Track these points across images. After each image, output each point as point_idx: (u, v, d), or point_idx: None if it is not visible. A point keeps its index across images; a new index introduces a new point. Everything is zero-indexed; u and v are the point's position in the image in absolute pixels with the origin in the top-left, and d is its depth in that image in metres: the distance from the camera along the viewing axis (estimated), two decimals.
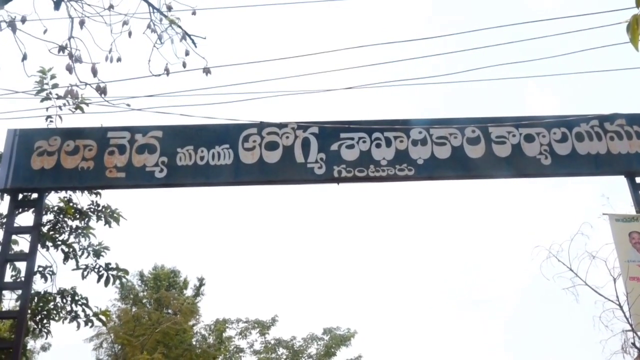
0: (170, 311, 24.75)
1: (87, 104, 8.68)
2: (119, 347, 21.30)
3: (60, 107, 8.71)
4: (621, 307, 8.78)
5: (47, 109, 8.74)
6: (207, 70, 7.84)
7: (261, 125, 8.67)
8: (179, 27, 7.60)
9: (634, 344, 9.45)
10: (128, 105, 8.57)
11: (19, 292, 8.12)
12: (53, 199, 9.17)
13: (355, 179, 8.47)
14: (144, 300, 27.60)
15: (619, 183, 8.68)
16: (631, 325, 8.37)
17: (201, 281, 30.89)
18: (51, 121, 8.77)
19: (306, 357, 28.22)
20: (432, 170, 8.52)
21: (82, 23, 7.17)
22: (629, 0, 3.31)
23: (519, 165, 8.56)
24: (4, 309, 9.36)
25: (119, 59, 7.25)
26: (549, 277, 9.37)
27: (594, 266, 9.17)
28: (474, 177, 8.77)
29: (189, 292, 30.27)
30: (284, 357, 28.01)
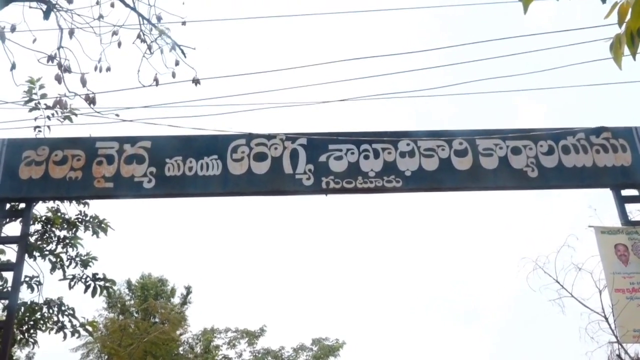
0: (157, 320, 24.67)
1: (75, 114, 8.68)
2: (106, 357, 21.19)
3: (48, 117, 8.71)
4: (607, 319, 8.84)
5: (35, 119, 8.74)
6: (196, 81, 7.88)
7: (250, 137, 8.69)
8: (169, 37, 7.64)
9: (619, 355, 9.51)
10: (117, 115, 8.57)
11: (6, 301, 8.09)
12: (41, 208, 9.16)
13: (343, 191, 8.49)
14: (132, 309, 27.49)
15: (606, 195, 8.76)
16: (616, 337, 8.43)
17: (188, 290, 30.80)
18: (39, 131, 8.76)
19: None
20: (419, 182, 8.55)
21: (71, 33, 7.20)
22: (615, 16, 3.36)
23: (505, 177, 8.61)
24: None
25: (108, 69, 7.28)
26: (535, 288, 9.44)
27: (580, 278, 9.24)
28: (461, 189, 8.81)
29: (176, 300, 30.18)
30: None
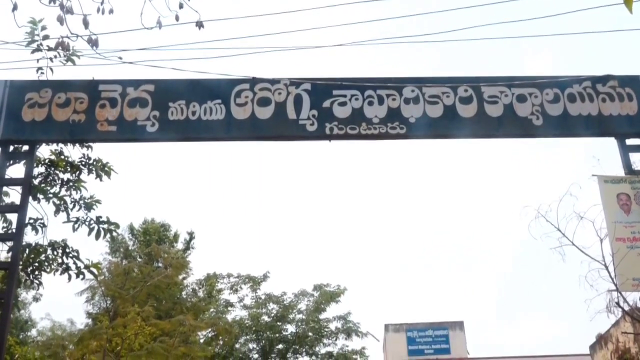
0: (160, 265, 24.89)
1: (78, 57, 8.59)
2: (110, 300, 21.43)
3: (51, 59, 8.62)
4: (607, 267, 8.93)
5: (37, 60, 8.65)
6: (200, 24, 7.77)
7: (253, 81, 8.63)
8: None
9: (617, 303, 9.63)
10: (120, 58, 8.50)
11: (10, 243, 8.15)
12: (44, 151, 9.16)
13: (347, 137, 8.47)
14: (134, 254, 27.73)
15: (609, 146, 8.73)
16: (616, 285, 8.51)
17: (191, 235, 31.05)
18: (42, 73, 8.69)
19: (296, 313, 28.55)
20: (424, 128, 8.51)
21: None
22: None
23: (510, 125, 8.57)
24: None
25: (111, 11, 7.17)
26: (537, 236, 9.50)
27: (581, 227, 9.30)
28: (466, 136, 8.79)
29: (179, 246, 30.44)
30: (274, 312, 28.32)
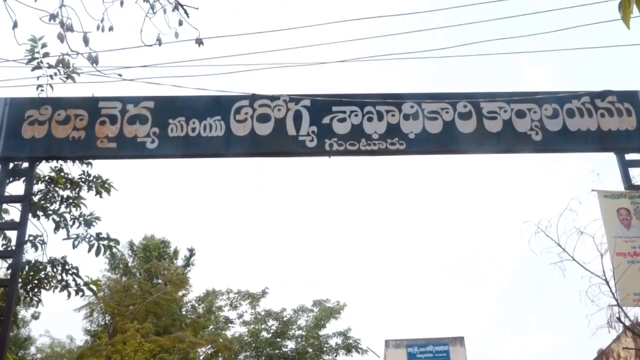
0: (160, 281, 24.85)
1: (78, 74, 8.63)
2: (109, 316, 21.38)
3: (51, 76, 8.65)
4: (607, 283, 8.92)
5: (37, 77, 8.68)
6: (199, 41, 7.80)
7: (253, 97, 8.65)
8: None
9: (619, 318, 9.60)
10: (120, 75, 8.52)
11: (10, 260, 8.14)
12: (44, 168, 9.16)
13: (346, 153, 8.48)
14: (134, 271, 27.68)
15: (609, 161, 8.74)
16: (617, 300, 8.50)
17: (191, 252, 31.03)
18: (42, 90, 8.71)
19: (296, 329, 28.44)
20: (423, 144, 8.53)
21: None
22: None
23: (509, 140, 8.58)
24: None
25: (110, 28, 7.19)
26: (537, 252, 9.50)
27: (581, 242, 9.30)
28: (465, 152, 8.80)
29: (179, 262, 30.40)
30: (274, 328, 28.21)
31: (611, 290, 8.75)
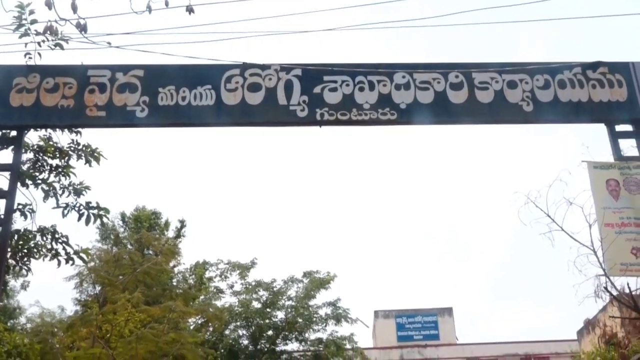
0: (151, 252, 24.84)
1: (67, 41, 8.51)
2: (99, 286, 21.37)
3: (39, 43, 8.54)
4: (595, 253, 8.99)
5: (25, 45, 8.56)
6: (190, 9, 7.74)
7: (244, 67, 8.59)
8: None
9: (606, 288, 9.70)
10: (109, 43, 8.44)
11: None
12: (33, 137, 9.08)
13: (337, 122, 8.45)
14: (125, 242, 27.65)
15: (599, 133, 8.76)
16: (604, 270, 8.56)
17: (182, 223, 31.02)
18: (30, 58, 8.60)
19: (286, 299, 28.55)
20: (414, 114, 8.51)
21: None
22: None
23: (501, 111, 8.58)
24: None
25: None
26: (526, 222, 9.55)
27: (570, 212, 9.35)
28: (456, 122, 8.80)
29: (170, 233, 30.40)
30: (264, 298, 28.31)
31: (599, 260, 8.82)
